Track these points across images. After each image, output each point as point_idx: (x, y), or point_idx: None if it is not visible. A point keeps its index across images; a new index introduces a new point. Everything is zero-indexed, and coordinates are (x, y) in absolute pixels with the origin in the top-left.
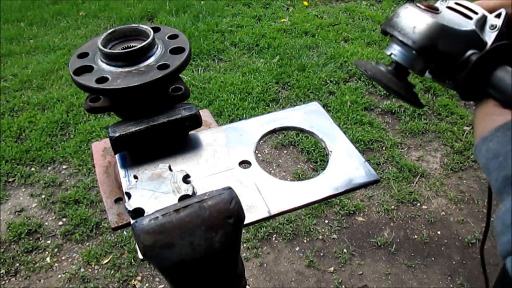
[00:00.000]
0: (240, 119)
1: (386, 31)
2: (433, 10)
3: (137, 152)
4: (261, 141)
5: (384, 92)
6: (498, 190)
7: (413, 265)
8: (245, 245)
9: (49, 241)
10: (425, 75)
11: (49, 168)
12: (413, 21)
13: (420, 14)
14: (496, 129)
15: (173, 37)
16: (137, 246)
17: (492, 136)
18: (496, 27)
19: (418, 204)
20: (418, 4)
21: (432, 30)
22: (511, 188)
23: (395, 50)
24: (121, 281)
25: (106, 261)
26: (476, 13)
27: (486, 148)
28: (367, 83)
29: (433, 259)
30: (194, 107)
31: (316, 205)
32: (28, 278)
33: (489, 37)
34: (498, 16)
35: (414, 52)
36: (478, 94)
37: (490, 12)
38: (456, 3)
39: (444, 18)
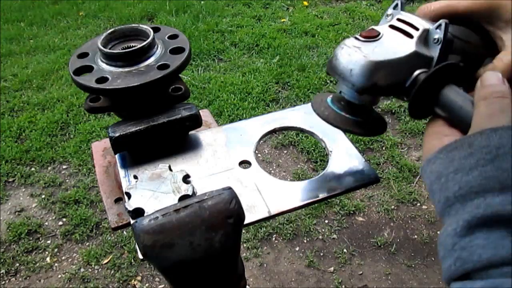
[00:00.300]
0: (240, 119)
1: (329, 74)
2: (373, 38)
3: (137, 152)
4: (261, 141)
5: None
6: (440, 212)
7: (413, 265)
8: (245, 245)
9: (49, 241)
10: None
11: (49, 168)
12: (349, 64)
13: (354, 56)
14: (439, 151)
15: (173, 37)
16: (137, 246)
17: (435, 158)
18: (438, 40)
19: (418, 204)
20: (357, 36)
21: (367, 70)
22: (451, 209)
23: (343, 89)
24: (121, 281)
25: (106, 261)
26: (417, 29)
27: (430, 169)
28: None
29: (433, 259)
30: (194, 107)
31: (316, 205)
32: (28, 278)
33: (435, 51)
34: (439, 27)
35: (356, 92)
36: (427, 113)
37: (435, 19)
38: (398, 20)
39: (383, 46)
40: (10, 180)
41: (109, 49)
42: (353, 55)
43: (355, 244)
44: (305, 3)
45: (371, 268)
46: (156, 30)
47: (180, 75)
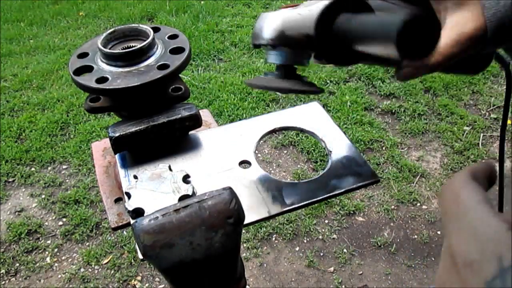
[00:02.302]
0: (240, 119)
1: (254, 44)
2: (290, 6)
3: (137, 152)
4: (261, 141)
5: (384, 92)
6: None
7: (413, 265)
8: (245, 245)
9: (49, 241)
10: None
11: (49, 168)
12: (261, 24)
13: (263, 16)
14: None
15: (173, 37)
16: (137, 246)
17: None
18: None
19: (418, 204)
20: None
21: (271, 22)
22: None
23: (268, 56)
24: (121, 281)
25: (106, 261)
26: None
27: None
28: (367, 83)
29: (433, 259)
30: (194, 107)
31: (316, 205)
32: (28, 278)
33: None
34: None
35: (271, 48)
36: (346, 56)
37: None
38: None
39: (297, 8)
40: (10, 180)
41: (109, 49)
42: (263, 16)
43: (355, 244)
44: None
45: (371, 268)
46: (156, 30)
47: (180, 75)
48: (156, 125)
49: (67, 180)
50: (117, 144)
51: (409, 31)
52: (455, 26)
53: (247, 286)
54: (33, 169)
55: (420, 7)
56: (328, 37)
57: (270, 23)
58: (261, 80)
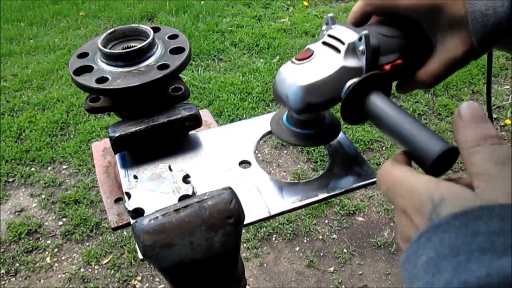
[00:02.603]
0: (240, 119)
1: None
2: (306, 59)
3: (137, 152)
4: (261, 141)
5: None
6: None
7: None
8: (245, 245)
9: (49, 241)
10: None
11: (49, 168)
12: (283, 90)
13: (287, 82)
14: (454, 216)
15: (173, 37)
16: (137, 246)
17: (447, 224)
18: (363, 52)
19: None
20: (292, 60)
21: (299, 94)
22: None
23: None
24: (121, 281)
25: (106, 261)
26: (343, 43)
27: (440, 238)
28: None
29: None
30: (194, 107)
31: (316, 205)
32: (28, 278)
33: (362, 61)
34: (361, 39)
35: (296, 113)
36: (359, 118)
37: (359, 23)
38: (329, 35)
39: (314, 67)
40: (10, 180)
41: (109, 49)
42: (286, 81)
43: (355, 244)
44: (305, 3)
45: (371, 268)
46: (156, 30)
47: (180, 75)
48: (156, 125)
49: (67, 180)
50: (117, 144)
51: (441, 160)
52: (446, 50)
53: (247, 286)
54: (33, 169)
55: (414, 31)
56: (355, 109)
57: (296, 95)
58: (279, 127)
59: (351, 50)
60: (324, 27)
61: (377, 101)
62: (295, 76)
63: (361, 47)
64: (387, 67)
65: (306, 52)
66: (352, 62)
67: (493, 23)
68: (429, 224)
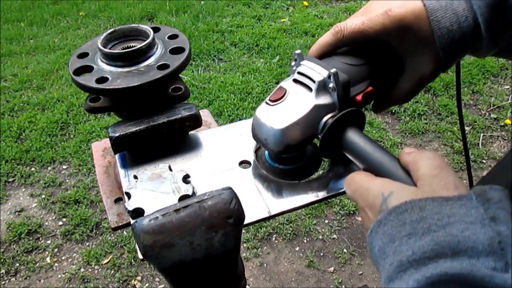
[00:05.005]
0: (240, 119)
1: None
2: (279, 100)
3: (137, 152)
4: None
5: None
6: (391, 276)
7: None
8: (245, 245)
9: (49, 241)
10: None
11: (49, 168)
12: (262, 135)
13: (264, 127)
14: (389, 212)
15: (173, 37)
16: (137, 246)
17: (386, 220)
18: (334, 88)
19: None
20: (267, 101)
21: (277, 138)
22: (405, 274)
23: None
24: (121, 281)
25: (106, 261)
26: (313, 81)
27: (382, 231)
28: None
29: None
30: (194, 107)
31: (316, 205)
32: (28, 278)
33: (334, 97)
34: (330, 77)
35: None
36: (336, 152)
37: (348, 43)
38: (299, 73)
39: (288, 108)
40: (10, 180)
41: (109, 49)
42: (264, 126)
43: (355, 244)
44: (305, 3)
45: (371, 268)
46: (156, 30)
47: (180, 75)
48: (156, 125)
49: (67, 180)
50: (117, 144)
51: None
52: (417, 67)
53: (247, 286)
54: (33, 169)
55: (381, 53)
56: (332, 144)
57: (274, 139)
58: (263, 164)
59: (322, 87)
60: (293, 63)
61: (354, 138)
62: (271, 120)
63: (331, 85)
64: (359, 97)
65: (279, 92)
66: (324, 99)
67: (459, 37)
68: (376, 219)
